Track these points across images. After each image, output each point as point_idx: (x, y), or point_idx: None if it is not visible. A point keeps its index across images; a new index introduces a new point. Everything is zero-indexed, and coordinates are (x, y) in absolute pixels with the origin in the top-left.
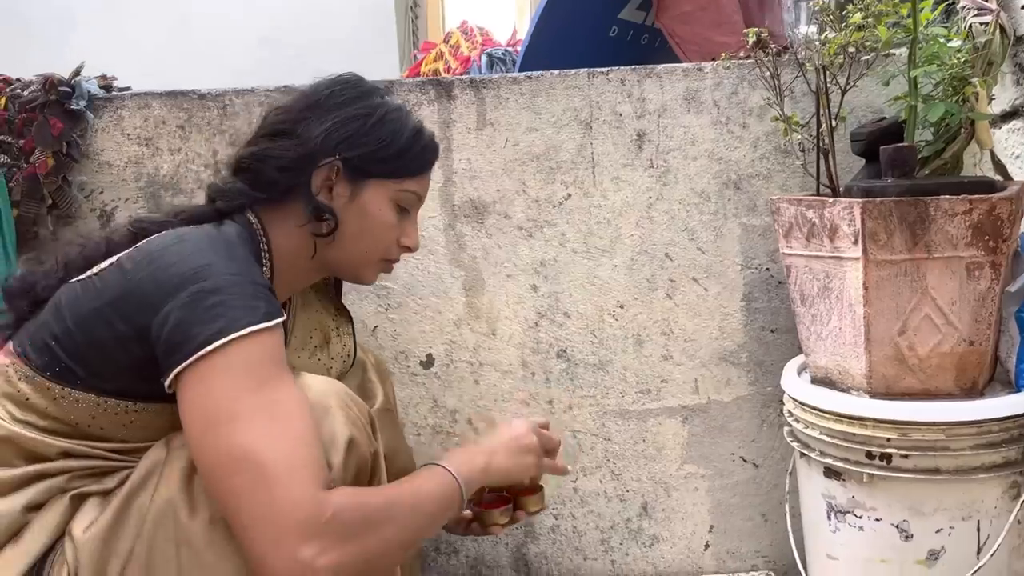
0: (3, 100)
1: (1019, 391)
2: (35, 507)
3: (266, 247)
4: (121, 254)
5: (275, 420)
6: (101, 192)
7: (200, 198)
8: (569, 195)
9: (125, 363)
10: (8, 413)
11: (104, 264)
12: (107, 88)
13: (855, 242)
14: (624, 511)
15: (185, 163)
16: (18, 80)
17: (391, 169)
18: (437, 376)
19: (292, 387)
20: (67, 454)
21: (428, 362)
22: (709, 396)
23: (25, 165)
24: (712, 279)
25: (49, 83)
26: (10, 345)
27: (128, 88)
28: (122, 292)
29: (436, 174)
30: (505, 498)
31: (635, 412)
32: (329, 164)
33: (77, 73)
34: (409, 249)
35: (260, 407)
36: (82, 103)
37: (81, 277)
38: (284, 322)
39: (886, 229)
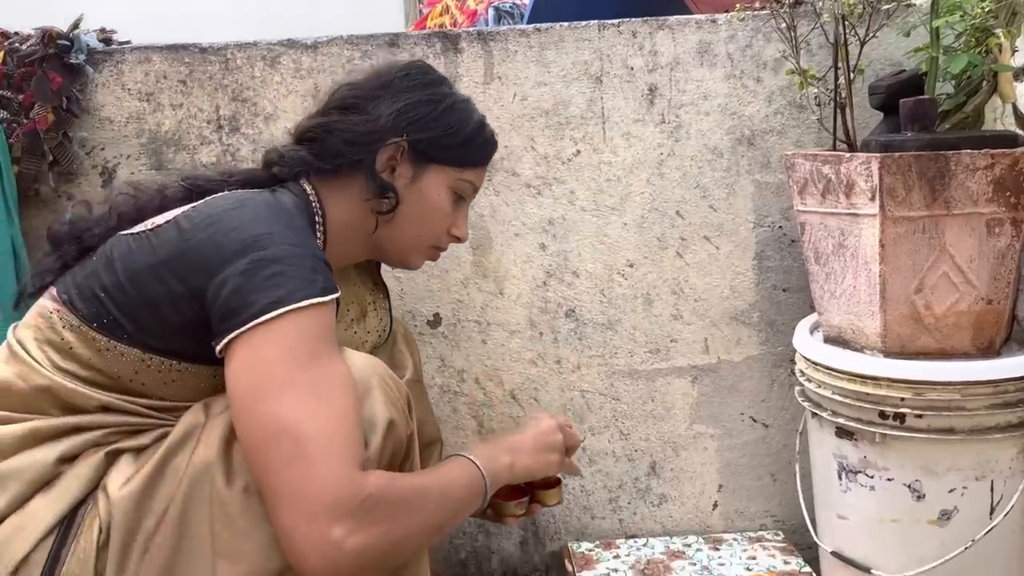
0: (1, 54)
1: None
2: (68, 459)
3: (321, 219)
4: (178, 212)
5: (320, 396)
6: (102, 148)
7: (204, 155)
8: (578, 151)
9: (176, 323)
10: (49, 360)
11: (159, 220)
12: (106, 41)
13: (872, 198)
14: (632, 470)
15: (187, 119)
16: (16, 34)
17: (454, 157)
18: (444, 335)
19: (340, 364)
20: (105, 408)
21: (435, 321)
22: (719, 356)
23: (25, 121)
24: (724, 237)
25: (47, 36)
26: (54, 290)
27: (128, 42)
28: (179, 252)
29: None
30: (522, 490)
31: (644, 372)
32: (396, 144)
33: (76, 26)
34: (458, 239)
35: (307, 382)
36: (81, 57)
37: (134, 231)
38: (337, 298)
39: (905, 185)
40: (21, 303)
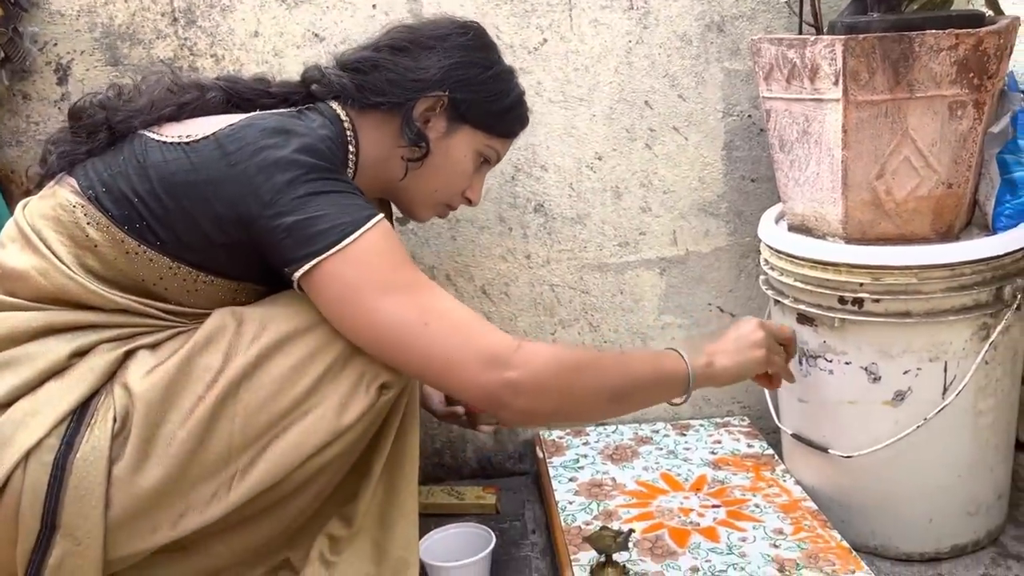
0: None
1: (995, 233)
2: (80, 354)
3: (355, 151)
4: (216, 127)
5: (430, 284)
6: (55, 44)
7: (160, 49)
8: (545, 40)
9: (217, 240)
10: (72, 256)
11: (195, 132)
12: None
13: (836, 82)
14: None
15: (140, 11)
16: None
17: (489, 123)
18: (414, 232)
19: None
20: (123, 311)
21: (403, 218)
22: (687, 247)
23: None
24: (693, 127)
25: None
26: (74, 182)
27: None
28: (223, 175)
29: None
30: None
31: (613, 265)
32: (437, 97)
33: None
34: (470, 203)
35: (415, 275)
36: None
37: (165, 138)
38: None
39: (868, 68)
40: (42, 184)
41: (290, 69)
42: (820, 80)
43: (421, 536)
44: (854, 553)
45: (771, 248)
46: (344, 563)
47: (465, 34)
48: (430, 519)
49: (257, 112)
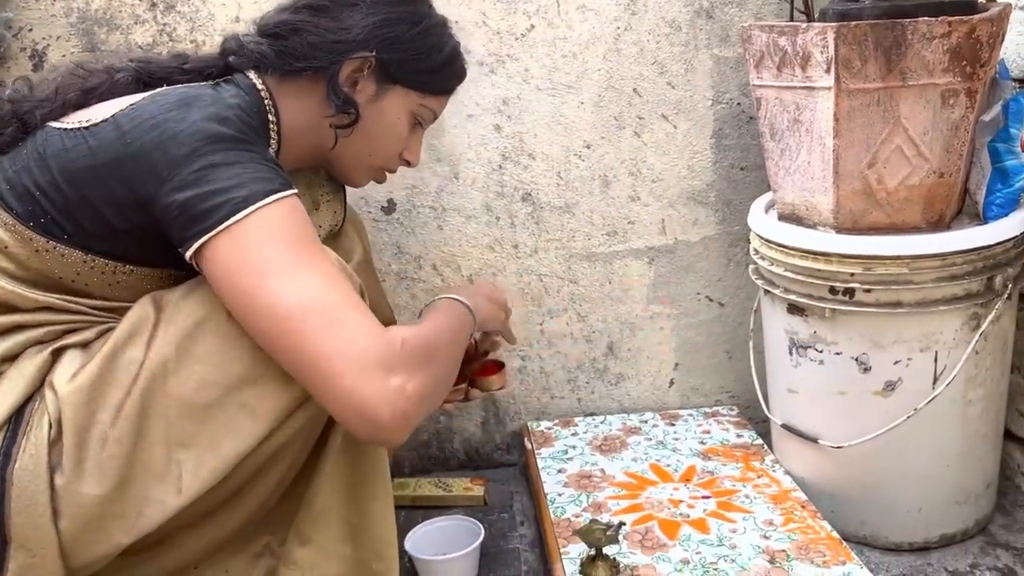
0: None
1: (986, 223)
2: (9, 359)
3: (275, 121)
4: (116, 108)
5: (321, 271)
6: (30, 29)
7: (139, 35)
8: (532, 26)
9: (121, 227)
10: None
11: (95, 116)
12: None
13: (827, 70)
14: (590, 351)
15: None
16: None
17: (421, 81)
18: (399, 222)
19: (322, 245)
20: (47, 308)
21: (389, 208)
22: (676, 236)
23: None
24: (682, 115)
25: None
26: None
27: None
28: (121, 156)
29: None
30: (460, 376)
31: (601, 254)
32: (363, 58)
33: None
34: (409, 164)
35: (307, 260)
36: None
37: (66, 125)
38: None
39: (860, 55)
40: None
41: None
42: (812, 68)
43: (409, 529)
44: (844, 544)
45: (761, 238)
46: (315, 549)
47: None
48: (418, 512)
49: (162, 88)
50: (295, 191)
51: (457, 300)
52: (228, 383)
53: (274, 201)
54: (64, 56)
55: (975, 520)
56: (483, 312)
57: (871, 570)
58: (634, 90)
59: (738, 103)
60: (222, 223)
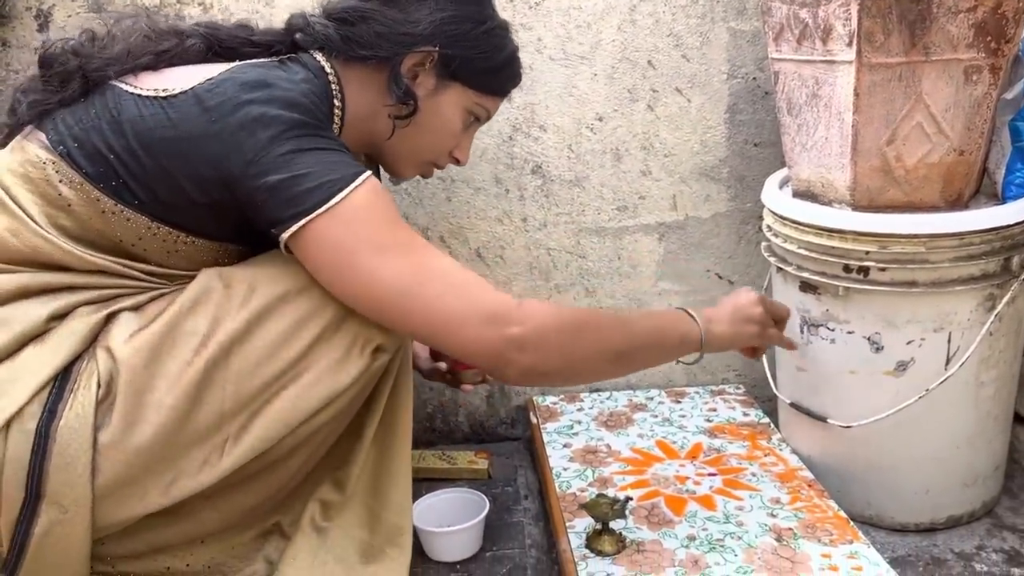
0: None
1: (1004, 203)
2: (59, 317)
3: (340, 105)
4: (195, 81)
5: (423, 243)
6: None
7: None
8: None
9: (200, 201)
10: (45, 215)
11: (172, 86)
12: None
13: (849, 43)
14: None
15: None
16: None
17: (480, 81)
18: (408, 192)
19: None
20: (100, 272)
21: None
22: (687, 212)
23: None
24: (696, 89)
25: None
26: (43, 136)
27: None
28: (204, 132)
29: None
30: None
31: (611, 229)
32: (426, 52)
33: None
34: (458, 163)
35: (408, 234)
36: None
37: (141, 91)
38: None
39: (884, 29)
40: (12, 135)
41: (281, 20)
42: (833, 41)
43: (413, 500)
44: (851, 523)
45: (775, 214)
46: (336, 528)
47: None
48: (421, 483)
49: (236, 64)
50: (371, 171)
51: (691, 317)
52: (284, 365)
53: (362, 183)
54: (70, 16)
55: (982, 502)
56: (721, 331)
57: (877, 550)
58: (648, 62)
59: (754, 78)
60: (323, 205)
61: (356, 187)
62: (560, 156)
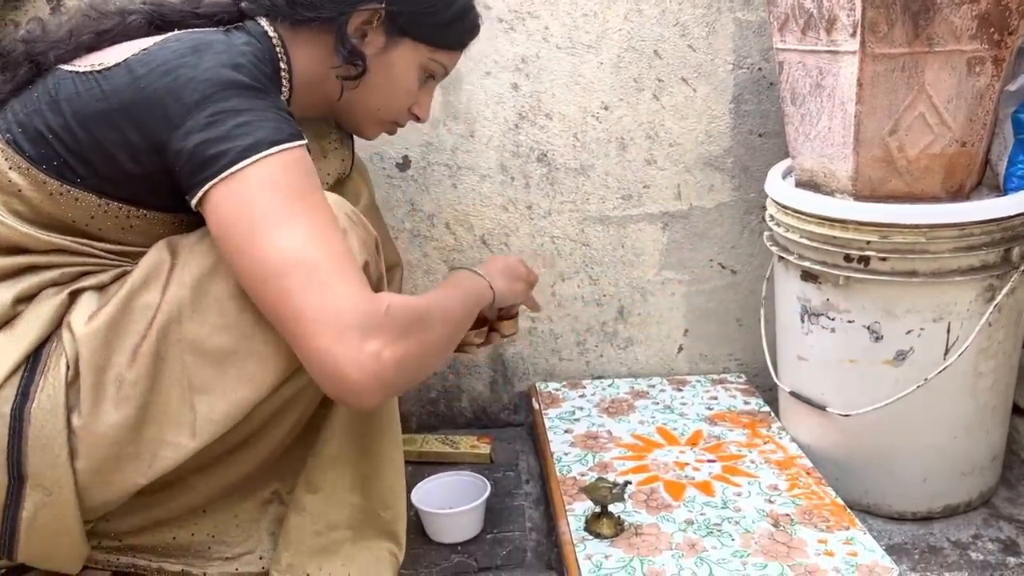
0: None
1: (1006, 194)
2: (25, 299)
3: (287, 69)
4: (128, 53)
5: (317, 227)
6: None
7: None
8: None
9: (135, 172)
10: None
11: (108, 60)
12: None
13: (853, 33)
14: (600, 315)
15: None
16: None
17: (432, 36)
18: (414, 179)
19: (325, 199)
20: (60, 251)
21: (404, 164)
22: (691, 202)
23: None
24: (702, 79)
25: None
26: None
27: None
28: (133, 101)
29: None
30: (481, 320)
31: (615, 218)
32: (373, 10)
33: None
34: (419, 119)
35: (302, 214)
36: None
37: (79, 68)
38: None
39: (887, 19)
40: None
41: None
42: (837, 31)
43: (416, 483)
44: (848, 511)
45: (777, 204)
46: (323, 496)
47: None
48: (424, 467)
49: (174, 33)
50: (304, 142)
51: (476, 274)
52: (242, 329)
53: (279, 151)
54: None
55: (979, 492)
56: (502, 287)
57: (874, 537)
58: (655, 52)
59: (759, 68)
60: (223, 171)
61: (264, 156)
62: (565, 144)
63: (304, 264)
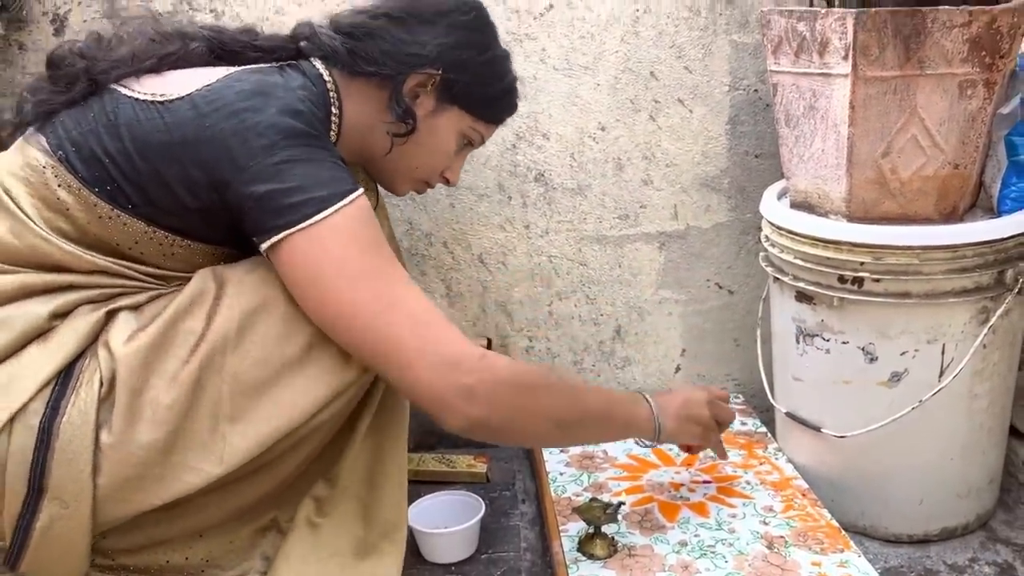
0: None
1: (999, 216)
2: (61, 315)
3: (338, 114)
4: (192, 87)
5: (400, 274)
6: None
7: (158, 2)
8: (551, 6)
9: (192, 206)
10: (43, 218)
11: (171, 91)
12: None
13: (845, 56)
14: (598, 334)
15: None
16: None
17: (477, 107)
18: (412, 198)
19: (388, 246)
20: (101, 272)
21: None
22: (688, 222)
23: None
24: (698, 100)
25: None
26: (43, 139)
27: None
28: (197, 137)
29: None
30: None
31: (612, 238)
32: (429, 74)
33: None
34: (448, 183)
35: (384, 262)
36: None
37: (139, 95)
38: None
39: (879, 43)
40: (15, 134)
41: (290, 28)
42: (829, 54)
43: (411, 502)
44: (844, 532)
45: (772, 224)
46: (330, 525)
47: (467, 13)
48: (421, 486)
49: (236, 70)
50: (363, 189)
51: (647, 403)
52: (281, 364)
53: (351, 202)
54: (85, 21)
55: (976, 514)
56: (671, 428)
57: (869, 560)
58: (651, 73)
59: (755, 90)
60: (303, 221)
61: (340, 207)
62: (563, 164)
63: (404, 308)
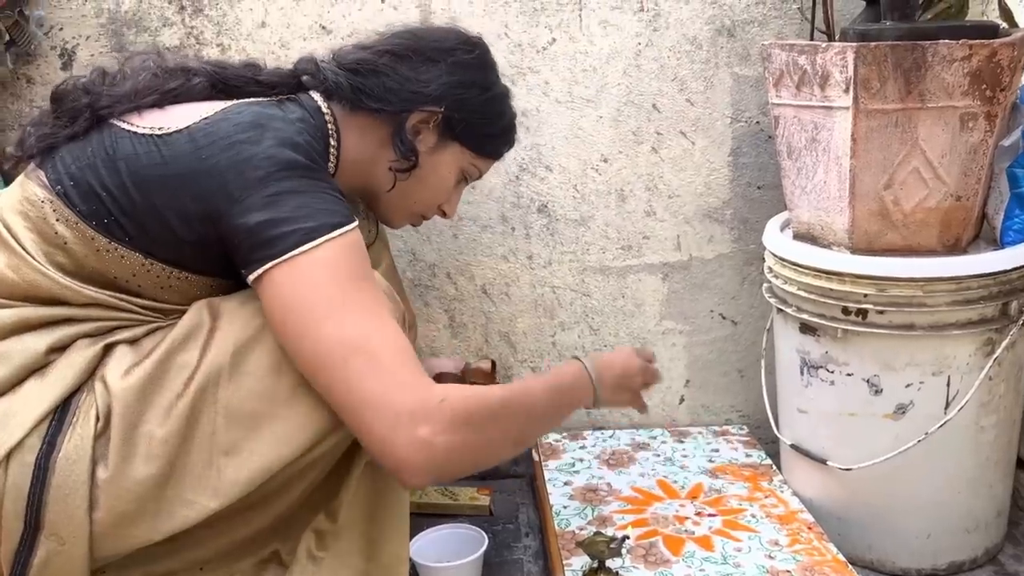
0: None
1: (1003, 248)
2: (58, 349)
3: (336, 147)
4: (191, 120)
5: (375, 313)
6: (61, 28)
7: (166, 37)
8: (554, 39)
9: (187, 238)
10: (42, 252)
11: (168, 126)
12: None
13: (846, 90)
14: None
15: None
16: None
17: (478, 143)
18: (416, 230)
19: (376, 282)
20: (98, 305)
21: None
22: (691, 253)
23: None
24: (700, 132)
25: None
26: (42, 174)
27: None
28: (193, 169)
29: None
30: (458, 378)
31: (615, 268)
32: (432, 112)
33: None
34: (445, 216)
35: (360, 301)
36: None
37: (138, 129)
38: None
39: (879, 76)
40: (18, 167)
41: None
42: (831, 87)
43: (413, 535)
44: (850, 567)
45: (775, 256)
46: (332, 558)
47: (470, 52)
48: (423, 519)
49: (233, 103)
50: (356, 223)
51: (587, 375)
52: (276, 396)
53: (339, 235)
54: (92, 56)
55: (985, 548)
56: (606, 397)
57: None
58: (653, 106)
59: (757, 122)
60: (286, 253)
61: (326, 240)
62: (566, 196)
63: (365, 352)
